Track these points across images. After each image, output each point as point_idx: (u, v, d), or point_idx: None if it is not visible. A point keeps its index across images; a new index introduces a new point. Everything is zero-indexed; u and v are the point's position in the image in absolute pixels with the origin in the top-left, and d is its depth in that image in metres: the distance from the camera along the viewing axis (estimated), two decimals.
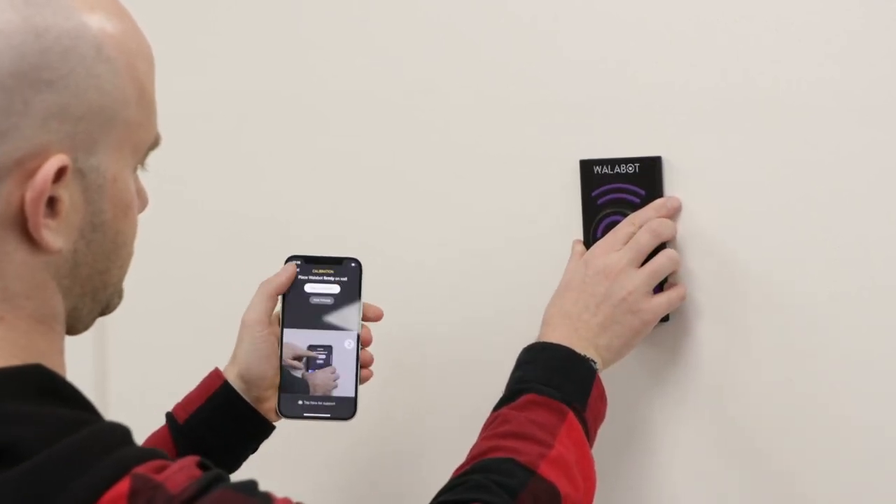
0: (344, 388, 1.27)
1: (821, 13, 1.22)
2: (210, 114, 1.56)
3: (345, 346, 1.27)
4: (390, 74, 1.44)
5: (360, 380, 1.27)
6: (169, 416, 1.28)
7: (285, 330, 1.27)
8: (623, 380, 1.30)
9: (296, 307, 1.27)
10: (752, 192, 1.26)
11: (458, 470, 1.11)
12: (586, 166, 1.31)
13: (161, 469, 0.83)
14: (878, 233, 1.21)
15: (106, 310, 0.96)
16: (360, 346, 1.27)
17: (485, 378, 1.32)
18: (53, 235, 0.86)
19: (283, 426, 1.30)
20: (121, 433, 0.86)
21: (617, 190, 1.30)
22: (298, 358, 1.27)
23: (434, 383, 1.44)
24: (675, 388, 1.31)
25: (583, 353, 1.20)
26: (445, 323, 1.43)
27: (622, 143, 1.31)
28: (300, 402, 1.27)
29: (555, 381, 1.17)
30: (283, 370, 1.26)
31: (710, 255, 1.28)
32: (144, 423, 1.24)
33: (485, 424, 1.16)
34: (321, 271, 1.28)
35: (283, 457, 1.42)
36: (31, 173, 0.84)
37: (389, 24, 1.45)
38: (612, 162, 1.30)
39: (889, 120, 1.20)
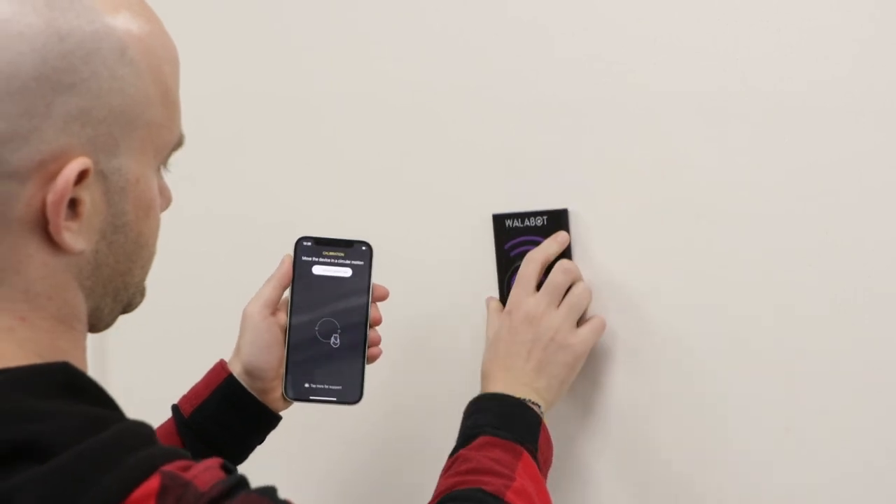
0: (351, 373, 1.26)
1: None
2: (217, 116, 1.56)
3: (353, 330, 1.26)
4: (392, 76, 1.45)
5: (366, 364, 1.26)
6: (175, 408, 1.28)
7: (293, 312, 1.26)
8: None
9: (304, 290, 1.26)
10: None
11: None
12: (498, 220, 1.36)
13: (187, 468, 0.84)
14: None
15: (128, 308, 0.96)
16: (367, 332, 1.26)
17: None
18: (74, 237, 0.86)
19: (290, 418, 1.30)
20: (147, 432, 0.86)
21: (528, 242, 1.34)
22: (306, 339, 1.26)
23: (435, 380, 1.45)
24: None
25: (525, 397, 1.24)
26: (449, 322, 1.44)
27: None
28: (306, 385, 1.26)
29: (506, 426, 1.20)
30: (290, 352, 1.26)
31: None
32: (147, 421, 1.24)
33: (443, 469, 1.18)
34: (331, 254, 1.27)
35: (292, 448, 1.43)
36: (53, 176, 0.84)
37: (393, 28, 1.45)
38: (522, 216, 1.35)
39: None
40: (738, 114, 1.26)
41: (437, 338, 1.45)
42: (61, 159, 0.84)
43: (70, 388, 0.86)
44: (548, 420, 1.26)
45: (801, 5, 1.23)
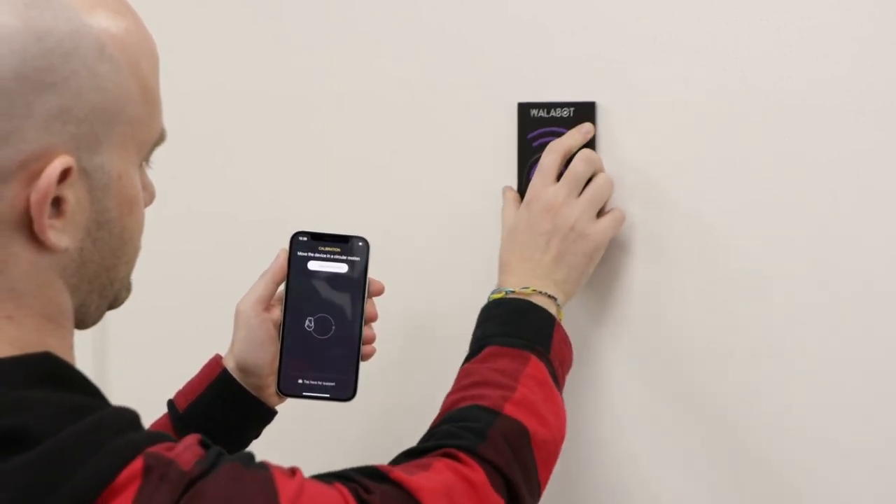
0: (345, 370, 1.25)
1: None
2: (208, 113, 1.56)
3: (348, 326, 1.25)
4: (390, 74, 1.45)
5: (360, 361, 1.25)
6: (170, 403, 1.28)
7: (288, 308, 1.25)
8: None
9: (299, 285, 1.25)
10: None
11: (430, 426, 1.14)
12: (523, 109, 1.34)
13: (170, 449, 0.86)
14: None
15: (114, 303, 0.97)
16: (362, 329, 1.25)
17: None
18: (59, 235, 0.87)
19: (285, 414, 1.30)
20: (130, 417, 0.88)
21: (551, 133, 1.33)
22: (300, 335, 1.25)
23: (429, 378, 1.44)
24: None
25: (543, 290, 1.23)
26: (443, 320, 1.44)
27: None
28: (300, 381, 1.25)
29: (514, 331, 1.20)
30: (284, 348, 1.25)
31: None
32: (144, 420, 1.24)
33: (453, 382, 1.19)
34: (327, 249, 1.26)
35: (287, 442, 1.42)
36: (36, 175, 0.85)
37: (385, 25, 1.45)
38: (548, 106, 1.33)
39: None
40: (737, 112, 1.26)
41: (430, 335, 1.45)
42: (44, 158, 0.85)
43: (53, 377, 0.87)
44: (565, 314, 1.26)
45: (800, 4, 1.23)
